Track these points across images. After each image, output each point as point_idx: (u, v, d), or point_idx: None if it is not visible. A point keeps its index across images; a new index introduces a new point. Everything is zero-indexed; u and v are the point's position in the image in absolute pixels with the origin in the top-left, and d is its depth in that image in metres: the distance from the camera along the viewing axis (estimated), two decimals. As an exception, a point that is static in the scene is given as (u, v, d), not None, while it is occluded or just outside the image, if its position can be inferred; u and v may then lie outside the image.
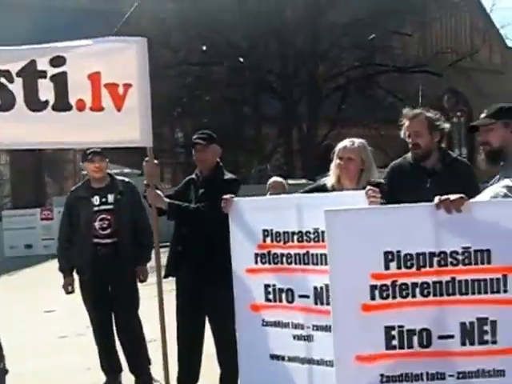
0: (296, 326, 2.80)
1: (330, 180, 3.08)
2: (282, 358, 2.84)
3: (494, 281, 2.11)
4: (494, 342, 2.12)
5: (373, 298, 2.15)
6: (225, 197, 2.95)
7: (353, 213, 2.22)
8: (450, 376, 2.15)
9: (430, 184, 3.11)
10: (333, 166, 3.07)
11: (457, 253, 2.11)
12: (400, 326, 2.15)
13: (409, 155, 3.25)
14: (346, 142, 3.07)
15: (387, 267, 2.13)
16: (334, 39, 19.22)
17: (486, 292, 2.11)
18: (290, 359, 2.82)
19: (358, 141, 3.09)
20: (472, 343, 2.13)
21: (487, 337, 2.12)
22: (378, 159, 3.20)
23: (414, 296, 2.14)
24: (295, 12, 19.68)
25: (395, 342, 2.15)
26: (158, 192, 3.37)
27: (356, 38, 19.19)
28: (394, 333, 2.15)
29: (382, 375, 2.16)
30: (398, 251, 2.13)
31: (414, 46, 22.95)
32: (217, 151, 3.58)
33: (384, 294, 2.14)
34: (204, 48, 19.02)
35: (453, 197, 2.09)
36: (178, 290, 3.61)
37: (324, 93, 19.87)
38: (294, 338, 2.80)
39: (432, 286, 2.13)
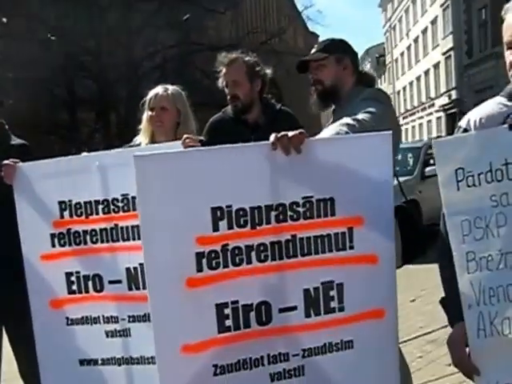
0: (108, 320, 2.28)
1: (141, 138, 2.55)
2: (95, 362, 2.30)
3: (338, 236, 1.77)
4: (341, 309, 1.79)
5: (200, 270, 1.66)
6: (5, 162, 2.23)
7: (169, 157, 1.68)
8: (294, 356, 1.77)
9: (253, 140, 2.73)
10: (144, 120, 2.55)
11: (297, 204, 1.73)
12: (234, 302, 1.70)
13: (229, 108, 2.83)
14: (159, 89, 2.56)
15: (216, 228, 1.67)
16: (146, 17, 18.51)
17: (330, 250, 1.77)
18: (104, 362, 2.30)
19: (172, 87, 2.60)
20: (318, 313, 1.77)
21: (334, 304, 1.78)
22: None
23: (249, 262, 1.71)
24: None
25: (229, 323, 1.70)
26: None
27: (170, 17, 18.77)
28: (228, 311, 1.69)
29: (215, 366, 1.69)
30: (229, 206, 1.67)
31: (227, 25, 23.32)
32: None
33: (213, 263, 1.67)
34: (4, 20, 16.86)
35: (291, 133, 1.69)
36: None
37: (141, 73, 19.05)
38: (108, 335, 2.29)
39: (270, 247, 1.71)
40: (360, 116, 2.05)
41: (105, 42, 18.56)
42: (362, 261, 1.80)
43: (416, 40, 38.62)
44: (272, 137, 1.67)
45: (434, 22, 33.55)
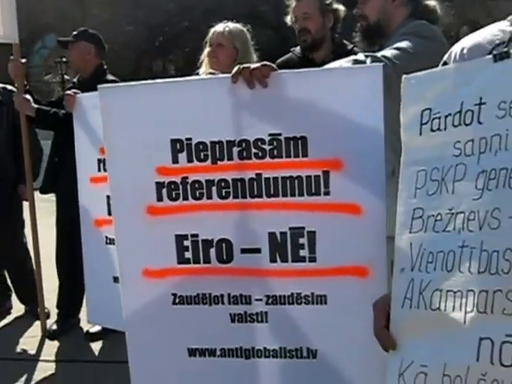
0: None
1: (202, 70, 2.56)
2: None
3: (311, 179, 1.58)
4: (313, 260, 1.63)
5: (160, 199, 1.67)
6: (67, 92, 2.48)
7: (132, 89, 1.68)
8: (257, 300, 1.69)
9: None
10: (204, 59, 2.55)
11: (263, 141, 1.58)
12: (194, 235, 1.67)
13: (297, 48, 2.62)
14: (219, 26, 2.53)
15: (176, 160, 1.64)
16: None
17: (301, 194, 1.60)
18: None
19: (233, 25, 2.52)
20: (284, 260, 1.64)
21: (304, 252, 1.63)
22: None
23: (209, 197, 1.65)
24: None
25: (189, 255, 1.69)
26: (27, 97, 2.95)
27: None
28: (187, 243, 1.68)
29: (174, 295, 1.72)
30: (188, 139, 1.62)
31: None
32: (83, 49, 3.13)
33: (173, 194, 1.66)
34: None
35: (254, 65, 1.54)
36: (58, 206, 3.26)
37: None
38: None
39: (232, 184, 1.62)
40: (383, 52, 1.72)
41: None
42: (339, 210, 1.59)
43: None
44: (234, 69, 1.54)
45: None
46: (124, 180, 1.69)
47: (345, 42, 2.59)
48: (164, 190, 1.66)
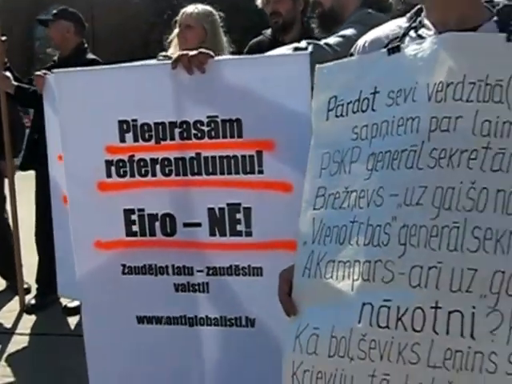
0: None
1: (171, 51, 2.67)
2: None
3: (246, 158, 1.71)
4: (249, 234, 1.76)
5: (109, 176, 1.80)
6: (37, 73, 2.59)
7: (84, 73, 1.82)
8: (198, 271, 1.82)
9: None
10: (173, 39, 2.67)
11: (201, 123, 1.71)
12: (140, 210, 1.81)
13: (268, 31, 2.72)
14: (189, 7, 2.63)
15: (123, 139, 1.77)
16: None
17: (237, 172, 1.73)
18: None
19: (202, 7, 2.63)
20: (223, 234, 1.77)
21: (240, 227, 1.76)
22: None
23: (153, 175, 1.78)
24: None
25: (136, 228, 1.82)
26: (7, 74, 3.06)
27: None
28: (134, 217, 1.81)
29: (123, 265, 1.85)
30: (134, 120, 1.75)
31: None
32: (62, 27, 3.23)
33: (121, 171, 1.79)
34: None
35: (192, 52, 1.66)
36: (36, 182, 3.39)
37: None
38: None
39: (174, 162, 1.75)
40: (327, 39, 1.83)
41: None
42: (272, 187, 1.72)
43: None
44: (175, 55, 1.67)
45: None
46: (77, 158, 1.82)
47: (314, 26, 2.69)
48: (113, 168, 1.79)
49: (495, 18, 1.23)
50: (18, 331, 3.21)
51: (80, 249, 1.89)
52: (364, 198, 1.22)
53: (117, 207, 1.82)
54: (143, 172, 1.78)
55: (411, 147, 1.17)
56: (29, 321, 3.33)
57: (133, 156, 1.78)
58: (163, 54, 2.74)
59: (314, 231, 1.30)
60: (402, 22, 1.34)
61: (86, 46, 3.37)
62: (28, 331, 3.20)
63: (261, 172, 1.71)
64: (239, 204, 1.75)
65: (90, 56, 3.27)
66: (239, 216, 1.75)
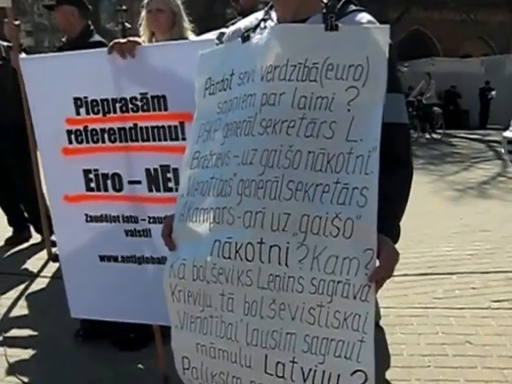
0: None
1: (143, 37, 2.96)
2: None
3: (171, 128, 2.09)
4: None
5: (70, 142, 2.24)
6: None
7: (45, 59, 2.25)
8: (142, 220, 2.24)
9: None
10: (143, 22, 2.94)
11: (136, 99, 2.10)
12: (95, 170, 2.24)
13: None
14: None
15: (78, 113, 2.19)
16: None
17: (165, 139, 2.11)
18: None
19: None
20: (158, 190, 2.18)
21: (171, 184, 2.15)
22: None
23: (103, 141, 2.20)
24: None
25: (93, 185, 2.26)
26: (22, 55, 3.51)
27: None
28: (91, 176, 2.25)
29: (86, 215, 2.31)
30: (85, 97, 2.16)
31: None
32: (66, 12, 3.58)
33: (79, 139, 2.23)
34: None
35: (123, 40, 2.04)
36: None
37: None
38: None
39: (117, 131, 2.16)
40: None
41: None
42: (193, 152, 2.08)
43: None
44: (110, 44, 2.05)
45: None
46: (44, 129, 2.27)
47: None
48: (72, 136, 2.23)
49: (324, 11, 1.51)
50: (42, 274, 3.80)
51: (53, 202, 2.36)
52: (220, 159, 1.57)
53: (77, 168, 2.26)
54: (95, 139, 2.21)
55: (248, 118, 1.51)
56: (53, 267, 3.91)
57: (87, 126, 2.20)
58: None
59: (189, 186, 1.65)
60: (260, 15, 1.65)
61: (92, 28, 3.69)
62: (50, 275, 3.79)
63: (184, 139, 2.08)
64: (169, 166, 2.14)
65: (96, 38, 3.60)
66: (169, 175, 2.15)
